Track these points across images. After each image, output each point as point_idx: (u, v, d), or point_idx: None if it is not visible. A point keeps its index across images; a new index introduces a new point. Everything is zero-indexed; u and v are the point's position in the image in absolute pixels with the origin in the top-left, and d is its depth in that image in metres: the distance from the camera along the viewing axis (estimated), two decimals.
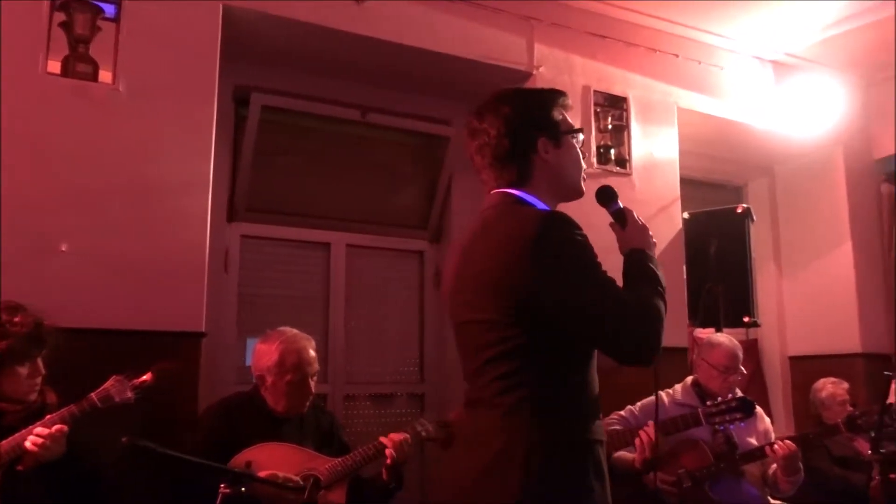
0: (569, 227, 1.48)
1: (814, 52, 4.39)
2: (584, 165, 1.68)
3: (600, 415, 1.55)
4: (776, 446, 2.84)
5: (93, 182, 2.65)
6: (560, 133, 1.61)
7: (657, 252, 1.67)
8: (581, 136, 1.68)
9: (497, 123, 1.59)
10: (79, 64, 2.71)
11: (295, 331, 2.56)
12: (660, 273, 1.57)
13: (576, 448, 1.46)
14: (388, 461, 2.41)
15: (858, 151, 4.76)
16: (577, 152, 1.66)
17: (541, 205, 1.57)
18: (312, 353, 2.52)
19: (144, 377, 2.15)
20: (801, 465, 2.89)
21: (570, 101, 1.69)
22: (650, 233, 1.67)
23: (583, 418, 1.49)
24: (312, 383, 2.51)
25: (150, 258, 2.70)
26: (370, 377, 3.80)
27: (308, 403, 2.51)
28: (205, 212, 2.85)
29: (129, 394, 2.12)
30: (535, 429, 1.43)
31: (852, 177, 4.70)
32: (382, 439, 2.44)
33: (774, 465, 2.94)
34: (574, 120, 1.71)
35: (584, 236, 1.49)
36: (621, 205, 1.69)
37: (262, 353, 2.51)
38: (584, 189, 1.68)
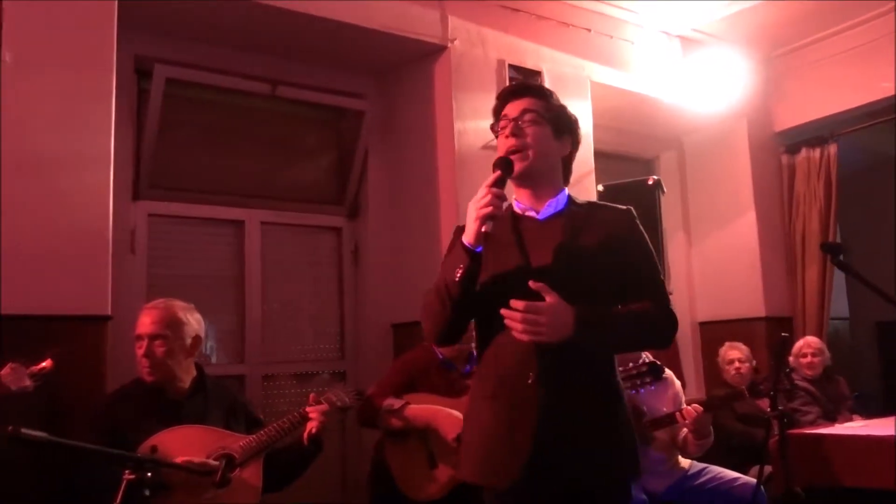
0: None
1: (718, 28, 4.53)
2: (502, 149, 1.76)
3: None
4: (685, 411, 2.91)
5: None
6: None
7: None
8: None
9: None
10: None
11: (171, 300, 2.41)
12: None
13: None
14: (314, 432, 2.37)
15: (761, 124, 4.97)
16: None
17: None
18: (182, 317, 2.35)
19: (43, 364, 2.04)
20: (710, 429, 3.00)
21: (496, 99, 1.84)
22: (471, 212, 1.60)
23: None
24: (182, 357, 2.33)
25: (48, 238, 2.56)
26: (289, 356, 3.75)
27: (178, 374, 2.34)
28: (106, 189, 2.71)
29: (27, 382, 2.01)
30: None
31: (755, 148, 4.90)
32: (309, 410, 2.38)
33: (685, 430, 3.04)
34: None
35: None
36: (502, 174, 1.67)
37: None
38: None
